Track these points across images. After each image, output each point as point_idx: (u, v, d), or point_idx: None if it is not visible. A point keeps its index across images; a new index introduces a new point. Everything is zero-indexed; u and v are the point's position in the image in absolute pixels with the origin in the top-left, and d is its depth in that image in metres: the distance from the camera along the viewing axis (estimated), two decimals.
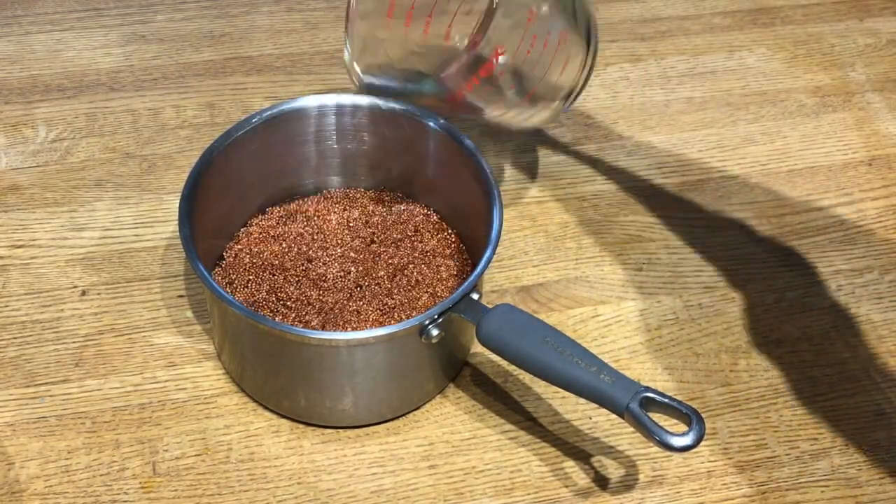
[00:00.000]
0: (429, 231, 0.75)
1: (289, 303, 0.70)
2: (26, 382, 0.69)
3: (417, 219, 0.76)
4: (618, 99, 0.91)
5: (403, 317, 0.70)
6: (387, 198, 0.78)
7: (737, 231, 0.81)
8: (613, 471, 0.67)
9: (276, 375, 0.66)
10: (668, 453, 0.65)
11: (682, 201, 0.83)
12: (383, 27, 0.71)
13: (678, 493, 0.66)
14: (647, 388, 0.60)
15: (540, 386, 0.70)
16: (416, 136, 0.74)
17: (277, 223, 0.75)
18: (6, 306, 0.74)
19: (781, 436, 0.69)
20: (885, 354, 0.74)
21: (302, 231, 0.75)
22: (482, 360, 0.71)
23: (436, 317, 0.63)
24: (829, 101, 0.92)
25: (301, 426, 0.68)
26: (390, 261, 0.73)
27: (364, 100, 0.74)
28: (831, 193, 0.84)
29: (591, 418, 0.69)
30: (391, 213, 0.77)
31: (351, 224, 0.76)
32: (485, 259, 0.65)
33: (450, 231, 0.76)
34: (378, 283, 0.72)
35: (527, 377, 0.70)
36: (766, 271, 0.78)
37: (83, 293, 0.74)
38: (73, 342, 0.72)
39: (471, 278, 0.64)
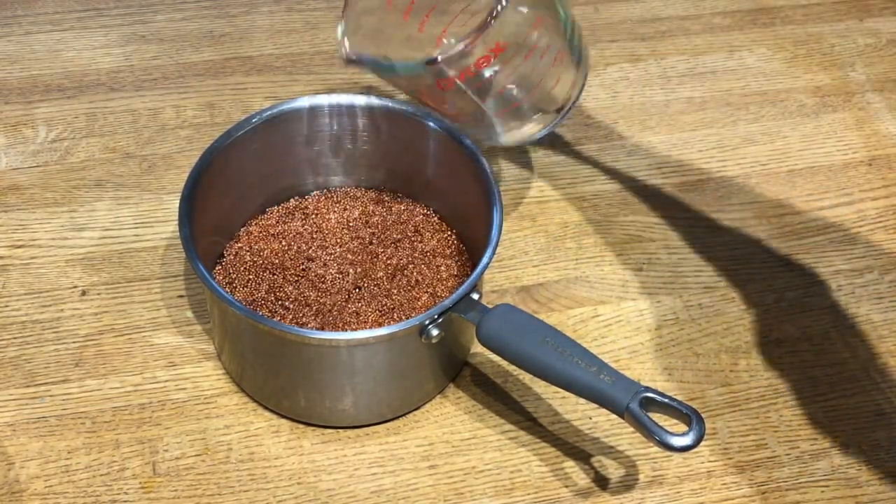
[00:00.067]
0: (429, 231, 0.75)
1: (287, 303, 0.70)
2: (26, 382, 0.69)
3: (417, 219, 0.76)
4: (618, 99, 0.91)
5: (403, 317, 0.70)
6: (387, 198, 0.78)
7: (737, 231, 0.81)
8: (613, 471, 0.67)
9: (276, 375, 0.66)
10: (668, 453, 0.65)
11: (682, 201, 0.83)
12: (380, 17, 0.71)
13: (678, 493, 0.66)
14: (647, 388, 0.60)
15: (540, 386, 0.70)
16: (416, 136, 0.74)
17: (277, 221, 0.75)
18: (6, 306, 0.74)
19: (781, 436, 0.69)
20: (885, 354, 0.74)
21: (302, 230, 0.75)
22: (482, 360, 0.72)
23: (436, 317, 0.63)
24: (829, 101, 0.92)
25: (301, 426, 0.68)
26: (390, 261, 0.73)
27: (364, 100, 0.74)
28: (831, 193, 0.84)
29: (591, 418, 0.69)
30: (391, 213, 0.77)
31: (351, 224, 0.76)
32: (485, 259, 0.65)
33: (450, 231, 0.76)
34: (377, 284, 0.72)
35: (527, 377, 0.70)
36: (766, 271, 0.78)
37: (83, 293, 0.74)
38: (73, 342, 0.72)
39: (471, 278, 0.64)
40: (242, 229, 0.75)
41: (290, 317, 0.69)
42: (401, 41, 0.72)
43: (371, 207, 0.77)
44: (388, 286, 0.72)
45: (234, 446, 0.67)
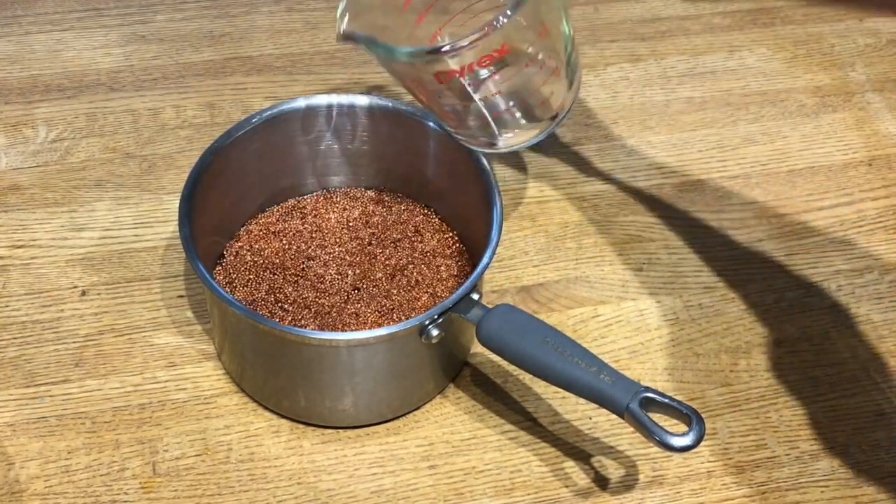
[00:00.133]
0: (429, 231, 0.75)
1: (286, 305, 0.70)
2: (26, 382, 0.69)
3: (417, 219, 0.76)
4: (618, 99, 0.91)
5: (403, 318, 0.70)
6: (387, 198, 0.78)
7: (737, 231, 0.81)
8: (613, 471, 0.67)
9: (276, 375, 0.66)
10: (668, 453, 0.65)
11: (682, 201, 0.83)
12: (381, 7, 0.71)
13: (678, 493, 0.66)
14: (647, 388, 0.60)
15: (540, 386, 0.70)
16: (416, 136, 0.74)
17: (278, 220, 0.75)
18: (6, 306, 0.74)
19: (781, 436, 0.69)
20: (885, 354, 0.74)
21: (302, 229, 0.75)
22: (482, 360, 0.72)
23: (436, 317, 0.63)
24: (829, 101, 0.92)
25: (301, 426, 0.68)
26: (390, 261, 0.73)
27: (364, 100, 0.74)
28: (831, 193, 0.84)
29: (591, 418, 0.69)
30: (391, 213, 0.77)
31: (351, 224, 0.76)
32: (485, 259, 0.65)
33: (450, 231, 0.76)
34: (377, 285, 0.72)
35: (527, 377, 0.70)
36: (766, 271, 0.78)
37: (83, 293, 0.74)
38: (73, 342, 0.72)
39: (471, 278, 0.64)
40: (242, 228, 0.75)
41: (290, 318, 0.69)
42: (397, 31, 0.72)
43: (371, 207, 0.77)
44: (387, 286, 0.72)
45: (234, 446, 0.67)
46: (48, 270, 0.76)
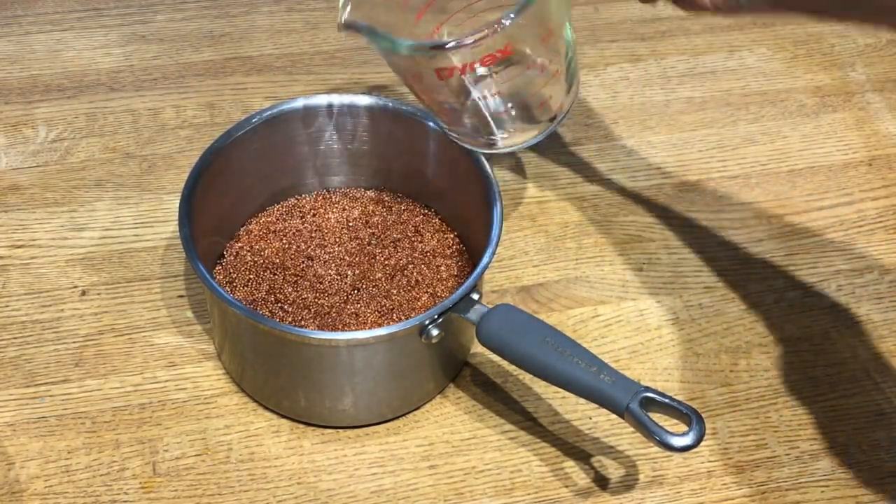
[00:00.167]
0: (429, 231, 0.76)
1: (286, 305, 0.70)
2: (26, 382, 0.69)
3: (417, 219, 0.76)
4: (618, 99, 0.91)
5: (403, 318, 0.70)
6: (387, 198, 0.78)
7: (737, 231, 0.81)
8: (613, 471, 0.67)
9: (276, 375, 0.66)
10: (668, 453, 0.65)
11: (682, 201, 0.83)
12: (381, 1, 0.71)
13: (678, 493, 0.66)
14: (647, 388, 0.60)
15: (540, 386, 0.70)
16: (416, 136, 0.74)
17: (278, 219, 0.75)
18: (6, 306, 0.74)
19: (781, 436, 0.69)
20: (886, 354, 0.74)
21: (301, 229, 0.75)
22: (482, 360, 0.72)
23: (436, 317, 0.63)
24: (829, 101, 0.92)
25: (301, 426, 0.68)
26: (389, 261, 0.73)
27: (364, 100, 0.74)
28: (831, 193, 0.84)
29: (591, 418, 0.69)
30: (391, 213, 0.77)
31: (351, 224, 0.76)
32: (485, 259, 0.65)
33: (450, 231, 0.76)
34: (377, 285, 0.72)
35: (527, 377, 0.70)
36: (766, 271, 0.78)
37: (83, 293, 0.74)
38: (73, 342, 0.72)
39: (471, 278, 0.64)
40: (242, 228, 0.75)
41: (290, 318, 0.69)
42: (397, 28, 0.71)
43: (371, 207, 0.77)
44: (387, 286, 0.72)
45: (234, 446, 0.67)
46: (48, 270, 0.76)
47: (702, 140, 0.88)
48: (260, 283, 0.71)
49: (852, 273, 0.78)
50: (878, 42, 0.97)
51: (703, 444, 0.60)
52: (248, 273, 0.72)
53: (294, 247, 0.74)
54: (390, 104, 0.74)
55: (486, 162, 0.70)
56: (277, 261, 0.73)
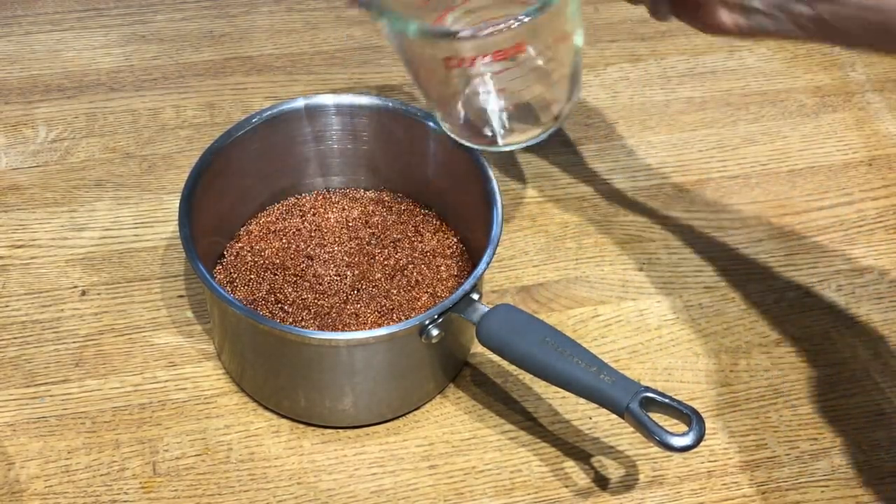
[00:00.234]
0: (429, 231, 0.75)
1: (286, 305, 0.70)
2: (26, 382, 0.69)
3: (417, 219, 0.76)
4: (618, 99, 0.91)
5: (403, 318, 0.70)
6: (387, 198, 0.78)
7: (737, 231, 0.81)
8: (613, 471, 0.67)
9: (276, 375, 0.66)
10: (668, 453, 0.65)
11: (682, 201, 0.83)
12: None
13: (678, 493, 0.66)
14: (647, 388, 0.60)
15: (540, 386, 0.70)
16: (416, 136, 0.74)
17: (277, 220, 0.75)
18: (6, 306, 0.74)
19: (781, 436, 0.69)
20: (886, 354, 0.74)
21: (301, 229, 0.75)
22: (482, 360, 0.72)
23: (436, 317, 0.63)
24: (829, 101, 0.92)
25: (301, 426, 0.68)
26: (389, 261, 0.73)
27: (364, 100, 0.74)
28: (831, 193, 0.84)
29: (591, 418, 0.69)
30: (391, 213, 0.77)
31: (350, 224, 0.76)
32: (485, 259, 0.65)
33: (450, 231, 0.76)
34: (376, 285, 0.72)
35: (527, 377, 0.70)
36: (766, 271, 0.78)
37: (83, 293, 0.74)
38: (73, 342, 0.72)
39: (471, 278, 0.64)
40: (242, 228, 0.75)
41: (290, 319, 0.69)
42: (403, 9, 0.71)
43: (371, 207, 0.77)
44: (387, 286, 0.72)
45: (234, 446, 0.67)
46: (48, 270, 0.76)
47: (702, 140, 0.88)
48: (260, 283, 0.71)
49: (852, 273, 0.78)
50: None
51: (702, 444, 0.60)
52: (248, 273, 0.72)
53: (294, 247, 0.74)
54: (390, 104, 0.74)
55: (486, 162, 0.70)
56: (277, 261, 0.73)
